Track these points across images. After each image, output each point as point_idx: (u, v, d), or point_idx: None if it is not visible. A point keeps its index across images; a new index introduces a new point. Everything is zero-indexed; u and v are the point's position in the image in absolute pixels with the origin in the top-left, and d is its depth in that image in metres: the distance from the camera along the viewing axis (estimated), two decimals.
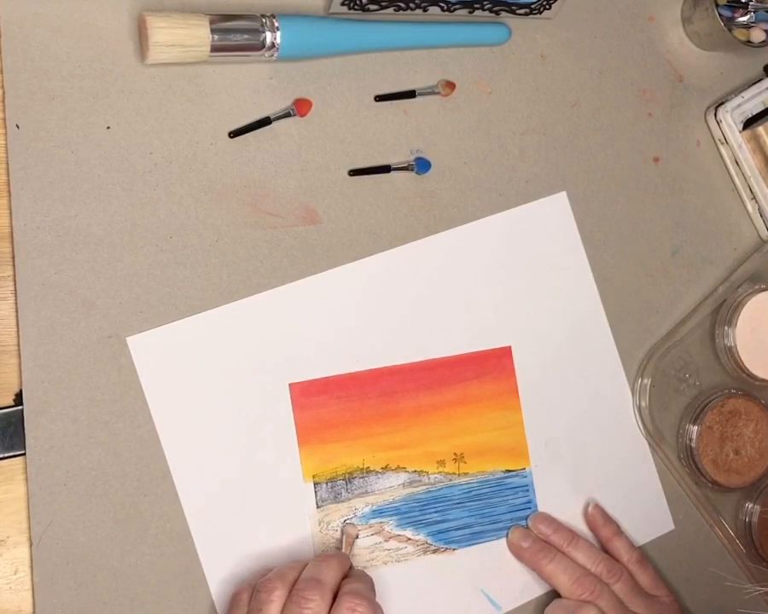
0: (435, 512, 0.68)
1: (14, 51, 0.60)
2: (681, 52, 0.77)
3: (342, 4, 0.65)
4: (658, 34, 0.77)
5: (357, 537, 0.66)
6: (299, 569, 0.59)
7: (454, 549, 0.68)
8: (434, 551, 0.68)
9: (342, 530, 0.65)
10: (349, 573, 0.61)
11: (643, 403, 0.73)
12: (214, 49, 0.61)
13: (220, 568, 0.62)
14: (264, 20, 0.62)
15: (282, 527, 0.64)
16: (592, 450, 0.72)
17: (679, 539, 0.74)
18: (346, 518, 0.66)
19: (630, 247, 0.74)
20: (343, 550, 0.64)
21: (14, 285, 0.60)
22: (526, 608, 0.69)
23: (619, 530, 0.71)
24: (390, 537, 0.67)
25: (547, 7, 0.71)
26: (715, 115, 0.76)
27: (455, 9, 0.68)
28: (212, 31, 0.60)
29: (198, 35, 0.60)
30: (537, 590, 0.70)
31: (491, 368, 0.70)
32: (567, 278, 0.72)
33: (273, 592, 0.57)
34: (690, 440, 0.74)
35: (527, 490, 0.70)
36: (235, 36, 0.61)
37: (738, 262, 0.77)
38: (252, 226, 0.65)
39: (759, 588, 0.63)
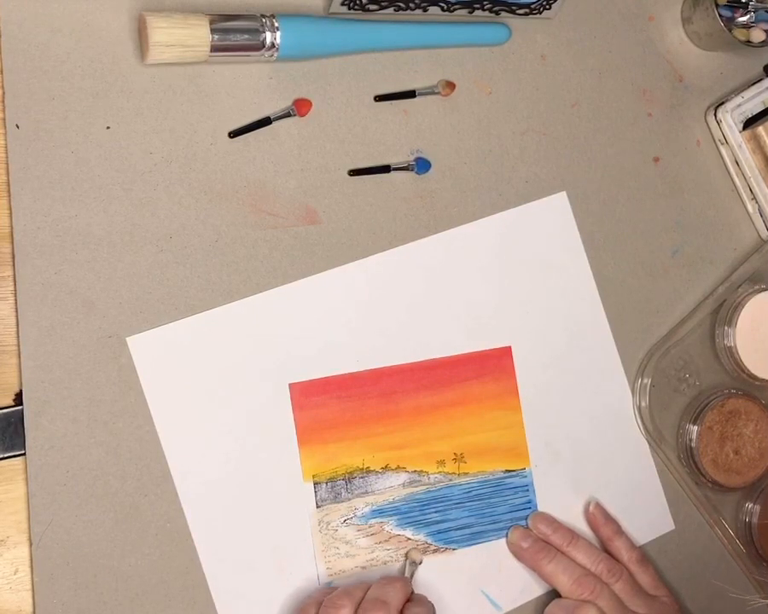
0: (435, 512, 0.68)
1: (14, 51, 0.60)
2: (681, 52, 0.77)
3: (342, 4, 0.65)
4: (658, 34, 0.77)
5: (421, 563, 0.66)
6: (365, 588, 0.60)
7: (454, 549, 0.68)
8: (434, 551, 0.68)
9: (406, 555, 0.66)
10: (411, 597, 0.62)
11: (643, 403, 0.73)
12: (214, 49, 0.61)
13: (220, 568, 0.62)
14: (264, 20, 0.62)
15: (281, 527, 0.64)
16: (592, 450, 0.72)
17: (679, 539, 0.74)
18: (346, 518, 0.66)
19: (630, 247, 0.74)
20: (405, 574, 0.65)
21: (14, 285, 0.60)
22: (526, 608, 0.69)
23: (619, 530, 0.71)
24: (390, 537, 0.67)
25: (547, 7, 0.71)
26: (715, 115, 0.76)
27: (455, 9, 0.68)
28: (212, 31, 0.60)
29: (198, 35, 0.60)
30: (537, 590, 0.70)
31: (491, 368, 0.70)
32: (567, 278, 0.72)
33: (341, 609, 0.58)
34: (690, 440, 0.74)
35: (527, 490, 0.70)
36: (235, 36, 0.61)
37: (738, 262, 0.77)
38: (252, 226, 0.65)
39: (761, 601, 0.63)
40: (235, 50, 0.62)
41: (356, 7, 0.66)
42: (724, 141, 0.77)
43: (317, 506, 0.65)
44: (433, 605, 0.62)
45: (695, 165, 0.77)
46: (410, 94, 0.69)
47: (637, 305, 0.74)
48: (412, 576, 0.66)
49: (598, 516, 0.71)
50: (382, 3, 0.66)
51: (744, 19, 0.76)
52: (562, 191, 0.73)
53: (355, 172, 0.67)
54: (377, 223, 0.68)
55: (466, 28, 0.70)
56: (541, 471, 0.71)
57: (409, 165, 0.68)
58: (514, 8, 0.70)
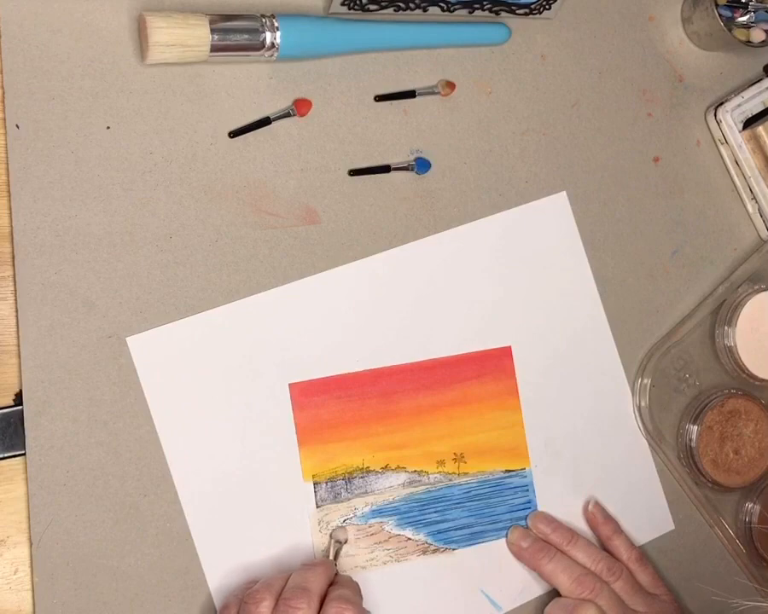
0: (435, 512, 0.68)
1: (14, 51, 0.60)
2: (681, 52, 0.77)
3: (342, 4, 0.65)
4: (658, 34, 0.77)
5: (346, 542, 0.65)
6: (285, 578, 0.59)
7: (454, 549, 0.68)
8: (434, 551, 0.68)
9: (330, 535, 0.65)
10: (335, 579, 0.61)
11: (643, 403, 0.73)
12: (214, 49, 0.61)
13: (220, 568, 0.62)
14: (264, 20, 0.62)
15: (281, 527, 0.64)
16: (592, 450, 0.72)
17: (679, 539, 0.74)
18: (345, 517, 0.66)
19: (630, 247, 0.74)
20: (330, 556, 0.64)
21: (14, 285, 0.60)
22: (526, 608, 0.69)
23: (618, 529, 0.71)
24: (390, 537, 0.67)
25: (547, 7, 0.71)
26: (715, 115, 0.76)
27: (455, 9, 0.68)
28: (212, 31, 0.60)
29: (198, 35, 0.60)
30: (537, 590, 0.70)
31: (491, 368, 0.70)
32: (567, 278, 0.72)
33: (261, 603, 0.57)
34: (690, 440, 0.74)
35: (527, 490, 0.70)
36: (235, 36, 0.61)
37: (738, 262, 0.77)
38: (252, 226, 0.65)
39: (745, 602, 0.63)
40: (235, 50, 0.62)
41: (356, 7, 0.66)
42: (724, 141, 0.77)
43: (317, 506, 0.65)
44: (357, 585, 0.61)
45: (695, 165, 0.77)
46: (410, 94, 0.69)
47: (637, 305, 0.74)
48: (337, 555, 0.64)
49: (597, 515, 0.71)
50: (382, 3, 0.66)
51: (744, 19, 0.76)
52: (562, 191, 0.73)
53: (355, 172, 0.67)
54: (377, 223, 0.68)
55: (466, 28, 0.70)
56: (541, 471, 0.71)
57: (409, 165, 0.68)
58: (514, 8, 0.70)
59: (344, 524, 0.66)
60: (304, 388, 0.65)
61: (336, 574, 0.62)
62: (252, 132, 0.65)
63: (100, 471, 0.61)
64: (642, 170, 0.75)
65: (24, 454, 0.59)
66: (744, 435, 0.74)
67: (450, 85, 0.70)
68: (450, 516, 0.68)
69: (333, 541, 0.65)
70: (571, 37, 0.74)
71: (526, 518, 0.70)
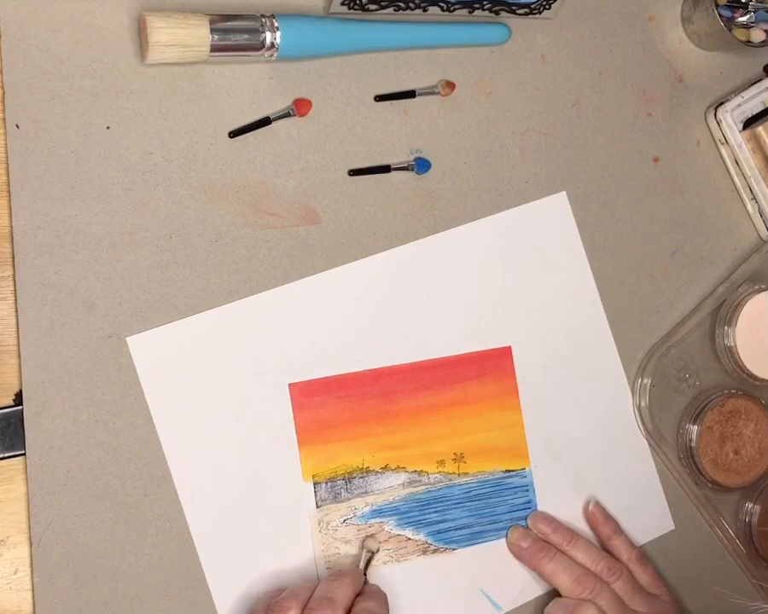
0: (435, 512, 0.68)
1: (14, 51, 0.60)
2: (681, 52, 0.77)
3: (342, 4, 0.65)
4: (658, 34, 0.77)
5: (377, 551, 0.65)
6: (312, 588, 0.59)
7: (454, 549, 0.68)
8: (434, 551, 0.68)
9: (362, 544, 0.65)
10: (363, 590, 0.61)
11: (643, 403, 0.73)
12: (214, 49, 0.61)
13: (220, 568, 0.62)
14: (263, 20, 0.62)
15: (281, 527, 0.64)
16: (592, 450, 0.72)
17: (679, 539, 0.74)
18: (345, 518, 0.66)
19: (630, 247, 0.74)
20: (360, 566, 0.64)
21: (14, 285, 0.60)
22: (526, 608, 0.69)
23: (618, 529, 0.71)
24: (390, 537, 0.67)
25: (547, 7, 0.71)
26: (715, 115, 0.76)
27: (455, 9, 0.68)
28: (212, 31, 0.60)
29: (198, 35, 0.60)
30: (537, 590, 0.70)
31: (491, 368, 0.70)
32: (567, 278, 0.72)
33: (287, 612, 0.57)
34: (690, 440, 0.74)
35: (527, 490, 0.70)
36: (235, 36, 0.61)
37: (738, 262, 0.77)
38: (252, 226, 0.65)
39: (763, 606, 0.63)
40: (235, 50, 0.62)
41: (356, 7, 0.66)
42: (724, 141, 0.77)
43: (317, 506, 0.65)
44: (386, 596, 0.61)
45: (695, 165, 0.77)
46: (410, 94, 0.69)
47: (637, 305, 0.74)
48: (367, 565, 0.65)
49: (598, 515, 0.71)
50: (382, 3, 0.66)
51: (744, 19, 0.76)
52: (562, 191, 0.73)
53: (355, 172, 0.67)
54: (377, 223, 0.68)
55: (466, 28, 0.70)
56: (541, 471, 0.71)
57: (409, 165, 0.68)
58: (514, 8, 0.70)
59: (345, 524, 0.66)
60: (304, 388, 0.65)
61: (366, 583, 0.62)
62: (252, 132, 0.65)
63: (100, 471, 0.61)
64: (642, 170, 0.75)
65: (24, 454, 0.59)
66: (744, 435, 0.74)
67: (450, 85, 0.70)
68: (450, 516, 0.68)
69: (364, 550, 0.65)
70: (571, 37, 0.74)
71: (526, 518, 0.70)
